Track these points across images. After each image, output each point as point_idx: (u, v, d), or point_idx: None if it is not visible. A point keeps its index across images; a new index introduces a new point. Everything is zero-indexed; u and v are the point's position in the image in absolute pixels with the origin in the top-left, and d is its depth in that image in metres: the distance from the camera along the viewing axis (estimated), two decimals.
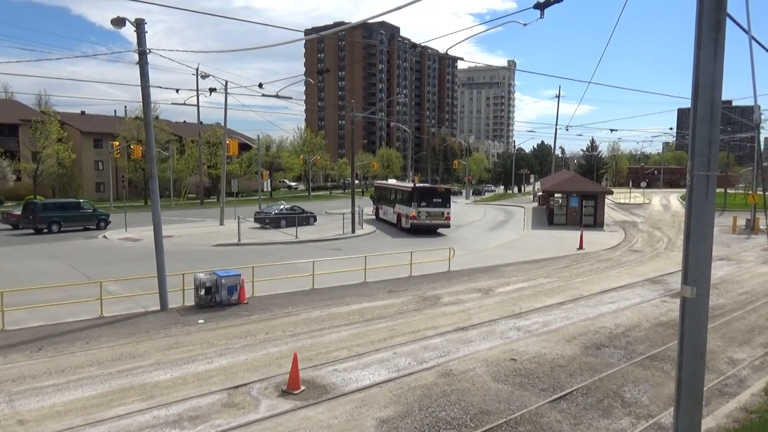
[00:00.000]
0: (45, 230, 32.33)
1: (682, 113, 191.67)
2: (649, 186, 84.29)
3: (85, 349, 11.37)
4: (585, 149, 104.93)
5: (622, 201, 63.76)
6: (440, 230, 35.45)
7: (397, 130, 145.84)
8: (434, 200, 34.99)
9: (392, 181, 50.58)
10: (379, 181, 54.24)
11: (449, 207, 35.67)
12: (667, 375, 10.20)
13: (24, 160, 57.49)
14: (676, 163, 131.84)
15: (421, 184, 41.88)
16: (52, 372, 9.95)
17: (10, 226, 34.78)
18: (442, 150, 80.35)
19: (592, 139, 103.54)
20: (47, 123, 56.08)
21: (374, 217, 43.08)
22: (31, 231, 32.62)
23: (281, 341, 12.01)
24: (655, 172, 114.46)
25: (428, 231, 34.79)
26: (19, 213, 34.54)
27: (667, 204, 63.05)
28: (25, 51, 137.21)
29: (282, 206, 39.54)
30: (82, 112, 78.71)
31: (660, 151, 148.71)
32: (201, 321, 13.69)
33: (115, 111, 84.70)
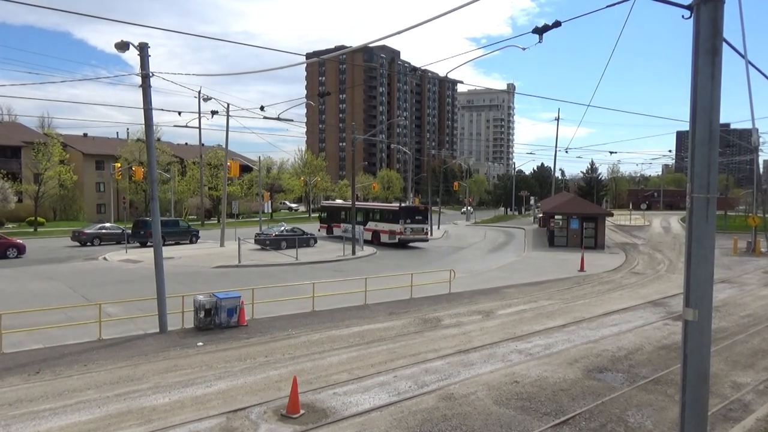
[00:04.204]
0: (150, 244, 33.31)
1: (681, 136, 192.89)
2: (649, 208, 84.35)
3: (83, 372, 11.27)
4: (585, 171, 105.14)
5: (622, 223, 63.76)
6: (419, 244, 40.29)
7: (398, 152, 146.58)
8: (416, 218, 40.11)
9: (339, 201, 53.14)
10: (329, 202, 57.52)
11: (428, 224, 41.03)
12: (670, 399, 10.09)
13: (26, 182, 57.72)
14: (675, 185, 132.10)
15: (405, 204, 46.78)
16: (49, 396, 9.84)
17: (78, 243, 38.72)
18: (442, 172, 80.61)
19: (592, 162, 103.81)
20: (50, 145, 56.37)
21: (326, 234, 45.49)
22: (137, 244, 37.44)
23: (281, 364, 11.90)
24: (655, 194, 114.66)
25: (399, 246, 38.80)
26: (88, 231, 39.78)
27: (667, 226, 63.03)
28: (29, 74, 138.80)
29: (283, 228, 39.56)
30: (85, 135, 79.20)
31: (659, 173, 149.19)
32: (200, 343, 13.59)
33: (117, 133, 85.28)
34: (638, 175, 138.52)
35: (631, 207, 77.62)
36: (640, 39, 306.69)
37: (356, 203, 41.93)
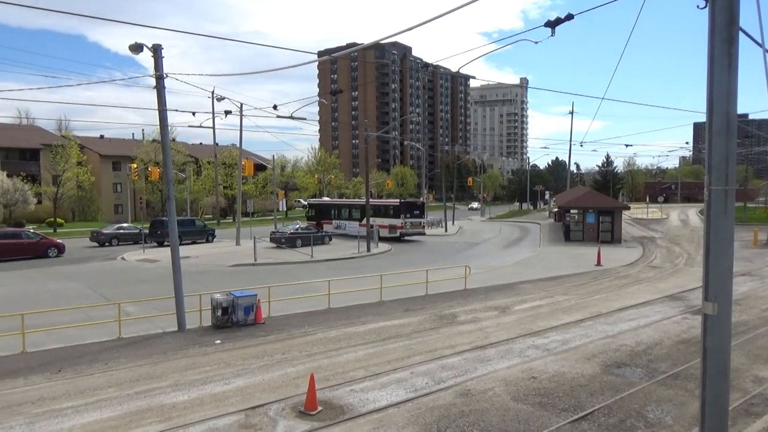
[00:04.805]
0: (167, 243, 33.89)
1: (698, 127, 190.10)
2: (666, 201, 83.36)
3: (103, 370, 11.44)
4: (600, 165, 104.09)
5: (639, 216, 63.09)
6: (418, 238, 42.01)
7: (411, 148, 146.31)
8: (415, 212, 42.15)
9: (326, 199, 54.28)
10: (316, 199, 58.63)
11: (424, 218, 43.24)
12: (690, 394, 9.98)
13: (45, 184, 58.61)
14: (693, 177, 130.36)
15: (405, 200, 49.15)
16: (71, 394, 10.01)
17: (97, 244, 39.49)
18: (456, 167, 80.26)
19: (607, 155, 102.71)
20: (67, 147, 57.21)
21: None
22: (154, 244, 38.18)
23: (298, 361, 11.98)
24: (673, 186, 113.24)
25: (395, 239, 40.24)
26: (107, 232, 40.59)
27: (685, 219, 62.24)
28: (46, 78, 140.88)
29: (297, 226, 39.75)
30: (101, 136, 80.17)
31: (676, 165, 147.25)
32: (218, 341, 13.72)
33: (133, 134, 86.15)
34: (655, 167, 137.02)
35: (648, 200, 76.81)
36: (655, 29, 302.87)
37: (350, 200, 43.26)
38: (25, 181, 53.82)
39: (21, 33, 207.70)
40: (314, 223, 47.20)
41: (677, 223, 57.58)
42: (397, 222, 40.81)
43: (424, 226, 42.92)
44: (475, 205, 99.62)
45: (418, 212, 42.52)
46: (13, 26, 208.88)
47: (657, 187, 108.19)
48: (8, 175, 53.34)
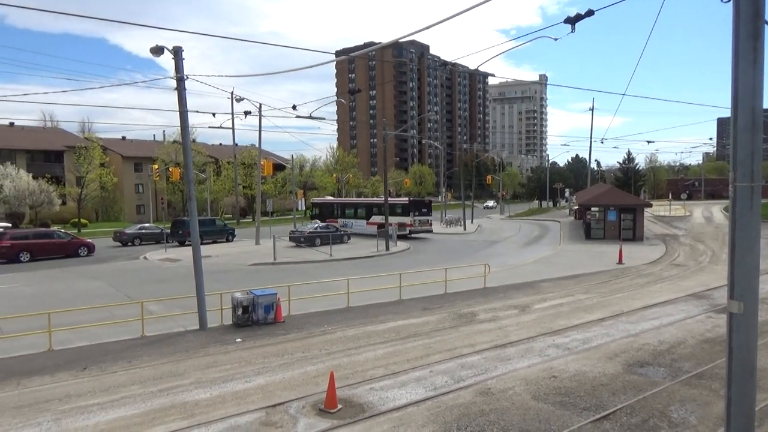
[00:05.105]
0: (188, 243, 34.42)
1: (722, 122, 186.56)
2: (689, 198, 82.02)
3: (127, 368, 11.63)
4: (621, 162, 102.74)
5: (661, 214, 62.15)
6: (425, 235, 42.64)
7: (429, 146, 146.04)
8: (423, 210, 43.15)
9: (329, 198, 54.98)
10: (320, 198, 59.42)
11: (431, 215, 44.33)
12: (715, 394, 9.83)
13: (69, 185, 59.69)
14: (717, 173, 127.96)
15: (413, 198, 50.05)
16: (96, 391, 10.19)
17: (120, 244, 40.14)
18: (474, 166, 79.91)
19: (629, 152, 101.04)
20: (90, 149, 58.23)
21: None
22: (176, 244, 38.71)
23: (318, 360, 12.05)
24: (696, 183, 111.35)
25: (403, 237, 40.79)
26: (129, 232, 41.10)
27: (709, 216, 61.15)
28: (69, 81, 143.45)
29: (316, 225, 39.93)
30: (123, 138, 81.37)
31: (700, 161, 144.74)
32: (238, 340, 13.85)
33: (154, 135, 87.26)
34: (678, 164, 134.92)
35: (670, 197, 75.58)
36: (678, 23, 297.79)
37: (355, 199, 43.86)
38: (49, 182, 54.88)
39: (44, 37, 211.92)
40: (317, 221, 48.07)
41: (701, 220, 56.61)
42: (407, 220, 41.76)
43: (431, 224, 44.13)
44: (489, 203, 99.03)
45: (425, 210, 43.80)
46: (36, 31, 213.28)
47: (680, 183, 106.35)
48: (33, 177, 54.44)
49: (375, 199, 56.29)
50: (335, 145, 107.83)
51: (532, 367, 11.38)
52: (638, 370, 11.24)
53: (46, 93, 41.72)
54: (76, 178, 59.73)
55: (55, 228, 42.54)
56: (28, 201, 52.71)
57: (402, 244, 37.33)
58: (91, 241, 35.31)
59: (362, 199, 55.33)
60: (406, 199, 46.62)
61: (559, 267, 26.97)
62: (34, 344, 13.13)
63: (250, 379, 10.79)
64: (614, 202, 40.33)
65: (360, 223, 45.36)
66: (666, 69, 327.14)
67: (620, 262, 27.80)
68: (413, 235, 42.34)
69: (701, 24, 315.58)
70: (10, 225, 44.16)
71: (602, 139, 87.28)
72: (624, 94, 35.34)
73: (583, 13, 8.50)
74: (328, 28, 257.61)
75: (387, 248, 34.25)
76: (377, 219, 43.87)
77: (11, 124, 66.68)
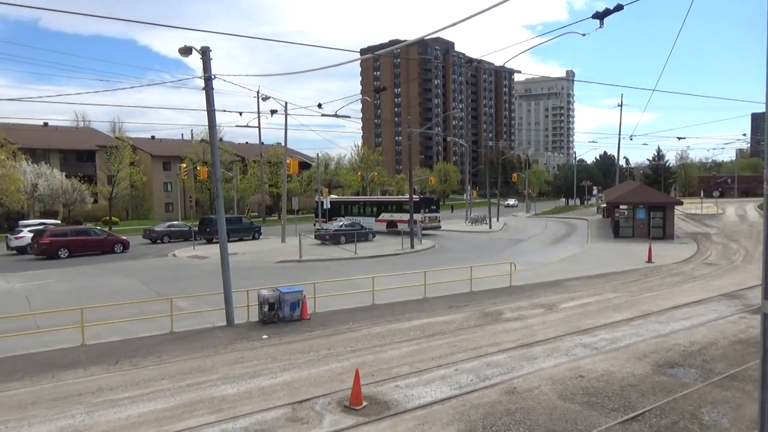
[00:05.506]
0: (215, 240, 35.90)
1: (756, 118, 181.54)
2: (722, 195, 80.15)
3: (157, 363, 11.86)
4: (651, 159, 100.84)
5: (692, 212, 60.82)
6: (434, 231, 44.13)
7: (454, 144, 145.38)
8: (432, 207, 44.77)
9: (333, 196, 56.44)
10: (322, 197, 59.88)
11: (439, 212, 46.65)
12: (748, 396, 9.59)
13: (100, 184, 61.07)
14: (751, 170, 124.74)
15: (423, 195, 51.14)
16: (127, 385, 10.43)
17: (149, 241, 41.04)
18: (500, 163, 79.29)
19: (659, 148, 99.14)
20: (121, 148, 59.44)
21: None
22: (204, 241, 39.48)
23: (343, 357, 12.11)
24: (729, 180, 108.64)
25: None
26: (158, 229, 42.10)
27: (743, 214, 59.62)
28: (100, 82, 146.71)
29: (341, 223, 40.12)
30: (152, 137, 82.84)
31: (733, 158, 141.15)
32: (265, 336, 14.01)
33: (182, 135, 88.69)
34: (710, 161, 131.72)
35: (702, 195, 73.91)
36: (709, 17, 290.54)
37: (364, 197, 44.68)
38: (82, 181, 56.27)
39: (77, 39, 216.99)
40: (324, 220, 49.16)
41: (734, 218, 55.22)
42: (418, 217, 42.27)
43: (439, 221, 45.49)
44: (511, 201, 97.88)
45: (434, 207, 45.23)
46: (69, 33, 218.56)
47: (712, 181, 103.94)
48: (66, 176, 55.90)
49: (383, 197, 58.23)
50: (360, 143, 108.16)
51: (559, 367, 11.26)
52: (668, 371, 11.03)
53: (78, 93, 42.69)
54: (107, 177, 61.08)
55: (90, 225, 43.60)
56: (62, 199, 54.18)
57: (427, 242, 37.27)
58: (126, 238, 36.17)
59: (370, 197, 56.92)
60: (417, 197, 47.82)
61: (586, 265, 26.61)
62: (69, 339, 13.49)
63: (276, 375, 10.91)
64: (643, 199, 39.60)
65: (368, 221, 46.32)
66: (698, 63, 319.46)
67: (650, 260, 27.30)
68: (425, 232, 42.98)
69: (734, 17, 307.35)
70: (59, 222, 45.27)
71: (631, 136, 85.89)
72: (654, 90, 34.69)
73: (612, 8, 8.35)
74: (353, 26, 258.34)
75: (412, 246, 34.23)
76: (386, 216, 46.05)
77: (45, 124, 68.50)
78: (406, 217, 42.46)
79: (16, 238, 35.01)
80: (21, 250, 34.20)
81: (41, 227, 35.79)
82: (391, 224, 44.83)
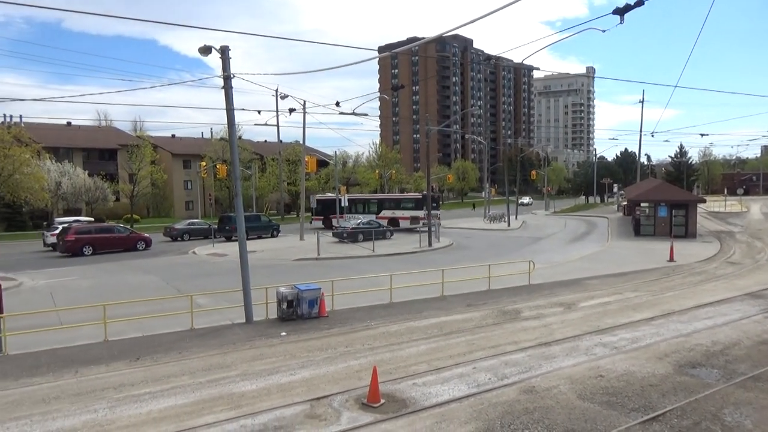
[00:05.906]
0: (234, 238, 36.14)
1: None
2: (746, 193, 78.66)
3: (178, 359, 12.02)
4: (673, 156, 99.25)
5: (716, 210, 59.78)
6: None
7: (473, 142, 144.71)
8: (433, 204, 42.74)
9: (329, 195, 56.72)
10: (322, 195, 60.02)
11: (440, 209, 48.03)
12: None
13: (122, 182, 61.97)
14: None
15: (425, 193, 51.49)
16: (148, 380, 10.58)
17: (170, 239, 41.49)
18: (519, 161, 78.74)
19: (681, 145, 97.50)
20: (142, 147, 60.22)
21: (322, 226, 48.82)
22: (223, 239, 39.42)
23: (361, 354, 12.15)
24: (754, 178, 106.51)
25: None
26: (179, 227, 42.53)
27: None
28: (122, 81, 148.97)
29: (359, 221, 40.20)
30: (173, 136, 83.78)
31: (758, 155, 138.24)
32: (283, 333, 14.11)
33: (202, 133, 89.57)
34: (734, 157, 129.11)
35: (725, 192, 72.65)
36: (733, 11, 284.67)
37: (363, 195, 45.54)
38: (104, 179, 57.15)
39: (99, 40, 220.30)
40: (321, 218, 50.05)
41: (759, 216, 54.14)
42: (420, 213, 43.13)
43: (439, 217, 45.84)
44: (525, 200, 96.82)
45: (435, 204, 45.15)
46: (91, 34, 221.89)
47: (736, 178, 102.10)
48: (89, 174, 56.82)
49: (383, 195, 59.67)
50: (378, 140, 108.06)
51: (578, 366, 11.16)
52: (690, 371, 10.88)
53: (101, 93, 43.27)
54: (128, 175, 61.95)
55: (113, 223, 44.23)
56: (85, 197, 55.13)
57: (444, 240, 37.18)
58: (148, 236, 36.66)
59: (370, 195, 58.64)
60: (419, 194, 49.11)
61: (606, 264, 26.33)
62: (91, 335, 13.73)
63: (294, 372, 10.98)
64: (665, 197, 39.02)
65: (369, 218, 46.86)
66: (721, 59, 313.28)
67: (671, 259, 26.90)
68: (425, 229, 43.71)
69: (758, 10, 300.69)
70: (92, 219, 45.79)
71: (653, 133, 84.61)
72: (676, 86, 34.27)
73: (632, 3, 8.24)
74: (370, 24, 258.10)
75: (429, 244, 34.17)
76: (387, 213, 46.89)
77: (68, 123, 69.66)
78: (407, 214, 44.41)
79: (52, 235, 35.61)
80: (56, 247, 34.80)
81: (73, 224, 36.31)
82: (393, 221, 45.59)
